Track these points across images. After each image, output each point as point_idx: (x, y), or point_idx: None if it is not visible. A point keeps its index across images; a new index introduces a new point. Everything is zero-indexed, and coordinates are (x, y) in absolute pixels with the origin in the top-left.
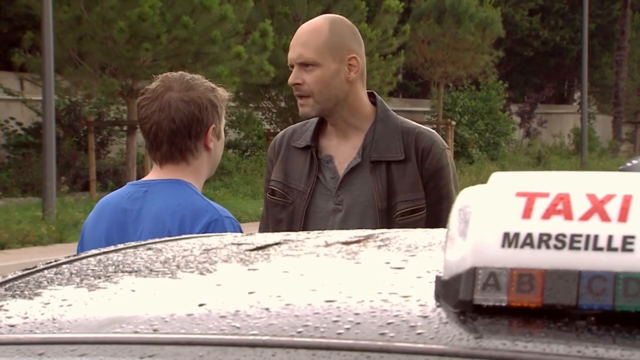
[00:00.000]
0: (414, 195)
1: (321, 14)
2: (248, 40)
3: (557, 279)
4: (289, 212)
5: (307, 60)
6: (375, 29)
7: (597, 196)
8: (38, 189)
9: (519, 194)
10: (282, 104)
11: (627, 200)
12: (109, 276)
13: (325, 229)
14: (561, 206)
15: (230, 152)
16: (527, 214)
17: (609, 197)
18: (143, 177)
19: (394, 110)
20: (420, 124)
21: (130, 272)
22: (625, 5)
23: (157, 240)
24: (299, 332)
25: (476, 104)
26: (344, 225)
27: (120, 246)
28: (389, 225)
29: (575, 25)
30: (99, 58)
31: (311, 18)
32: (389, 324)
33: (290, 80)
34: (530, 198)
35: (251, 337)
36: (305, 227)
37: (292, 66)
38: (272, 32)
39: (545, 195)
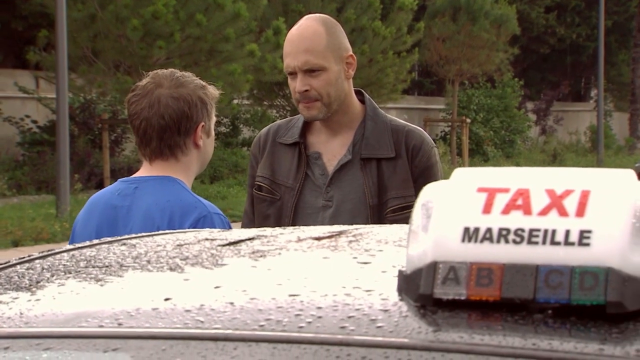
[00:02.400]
0: (405, 192)
1: (335, 11)
2: (261, 38)
3: (515, 273)
4: (276, 208)
5: (314, 66)
6: (390, 26)
7: (556, 191)
8: (52, 187)
9: (480, 190)
10: None
11: (585, 195)
12: (79, 271)
13: (315, 225)
14: (521, 201)
15: (244, 150)
16: (487, 209)
17: (568, 193)
18: None
19: (410, 108)
20: (436, 121)
21: (100, 267)
22: None
23: (132, 235)
24: (261, 325)
25: (491, 102)
26: (334, 221)
27: (95, 241)
28: (380, 222)
29: (591, 22)
30: (113, 56)
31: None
32: (349, 317)
33: (299, 88)
34: (491, 193)
35: (214, 331)
36: (294, 223)
37: (291, 73)
38: (285, 30)
39: (506, 190)
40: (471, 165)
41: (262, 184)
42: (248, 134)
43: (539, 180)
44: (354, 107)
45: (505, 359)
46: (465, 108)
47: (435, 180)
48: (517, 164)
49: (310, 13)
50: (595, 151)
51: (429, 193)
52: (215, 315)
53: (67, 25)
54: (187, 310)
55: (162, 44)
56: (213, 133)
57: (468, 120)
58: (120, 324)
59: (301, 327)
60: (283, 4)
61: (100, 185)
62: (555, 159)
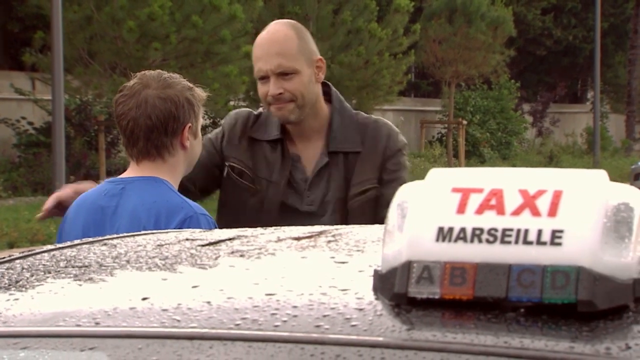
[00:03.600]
0: (367, 177)
1: (331, 13)
2: None
3: (488, 272)
4: (258, 200)
5: (288, 69)
6: (386, 28)
7: (529, 192)
8: (48, 188)
9: (455, 190)
10: None
11: (557, 195)
12: (58, 271)
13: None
14: (494, 201)
15: None
16: (461, 209)
17: (540, 193)
18: None
19: (406, 110)
20: (433, 123)
21: (80, 267)
22: (638, 4)
23: (114, 236)
24: (237, 324)
25: (488, 103)
26: (317, 222)
27: (76, 242)
28: (347, 211)
29: (588, 24)
30: (109, 58)
31: (321, 18)
32: (324, 316)
33: (273, 91)
34: (465, 193)
35: (190, 330)
36: (277, 222)
37: (263, 78)
38: None
39: (480, 190)
40: (468, 166)
41: (243, 170)
42: None
43: (512, 180)
44: (323, 110)
45: (478, 357)
46: (462, 110)
47: (402, 166)
48: (514, 166)
49: (306, 14)
50: (592, 153)
51: (405, 193)
52: (191, 315)
53: (63, 26)
54: (164, 310)
55: (158, 45)
56: (200, 134)
57: (464, 122)
58: (97, 323)
59: (277, 325)
60: (279, 6)
61: None
62: (551, 161)
